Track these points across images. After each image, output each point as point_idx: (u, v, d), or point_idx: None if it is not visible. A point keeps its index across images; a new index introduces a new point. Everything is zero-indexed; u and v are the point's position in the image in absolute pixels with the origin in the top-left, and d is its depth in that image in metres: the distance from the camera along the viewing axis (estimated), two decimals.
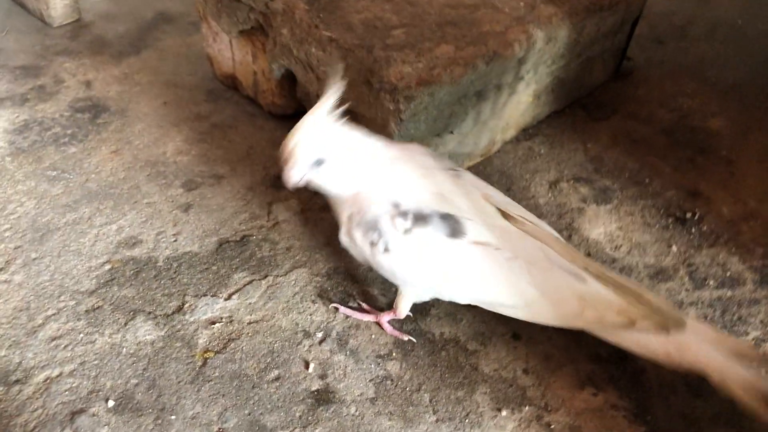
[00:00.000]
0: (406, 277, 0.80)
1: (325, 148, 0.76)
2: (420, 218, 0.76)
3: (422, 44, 0.96)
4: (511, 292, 0.76)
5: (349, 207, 0.79)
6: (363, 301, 0.91)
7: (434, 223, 0.76)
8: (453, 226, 0.76)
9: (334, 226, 0.98)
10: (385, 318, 0.87)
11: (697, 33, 1.54)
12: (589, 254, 1.00)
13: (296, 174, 0.76)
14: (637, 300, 0.74)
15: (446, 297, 0.82)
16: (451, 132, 1.03)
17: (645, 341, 0.74)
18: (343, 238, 0.81)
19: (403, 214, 0.76)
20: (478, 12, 1.04)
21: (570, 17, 1.07)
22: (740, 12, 1.63)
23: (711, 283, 0.96)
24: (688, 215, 1.07)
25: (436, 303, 0.92)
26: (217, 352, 0.84)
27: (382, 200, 0.77)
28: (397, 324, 0.88)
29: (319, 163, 0.76)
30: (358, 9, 1.02)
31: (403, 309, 0.85)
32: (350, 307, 0.90)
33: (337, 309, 0.89)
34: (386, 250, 0.77)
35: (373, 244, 0.77)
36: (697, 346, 0.73)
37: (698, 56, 1.46)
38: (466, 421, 0.79)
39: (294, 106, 1.19)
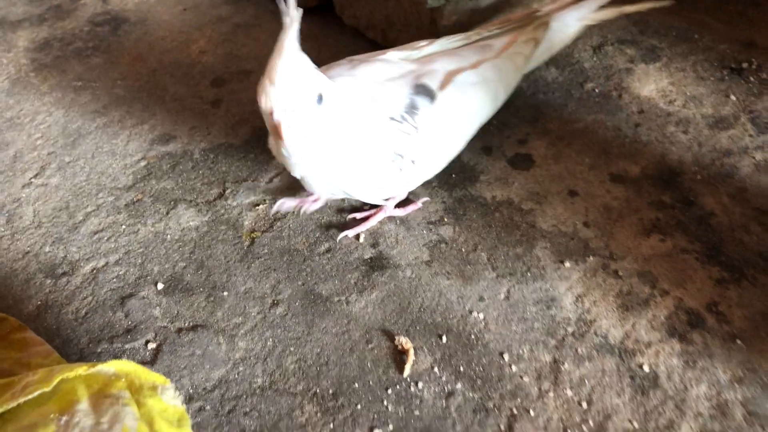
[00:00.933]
0: (448, 136, 0.78)
1: (316, 82, 0.64)
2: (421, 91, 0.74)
3: None
4: (494, 93, 0.81)
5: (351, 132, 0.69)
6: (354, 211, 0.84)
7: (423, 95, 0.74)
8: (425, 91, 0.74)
9: None
10: (391, 205, 0.81)
11: None
12: (642, 111, 0.94)
13: (297, 120, 0.62)
14: (521, 28, 0.85)
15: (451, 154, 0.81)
16: None
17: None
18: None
19: (419, 92, 0.74)
20: None
21: None
22: None
23: None
24: (745, 65, 1.00)
25: (485, 169, 0.88)
26: (264, 232, 0.82)
27: (390, 99, 0.72)
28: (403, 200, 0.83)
29: (320, 99, 0.63)
30: None
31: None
32: (355, 222, 0.81)
33: (356, 236, 0.80)
34: (422, 127, 0.73)
35: (408, 132, 0.73)
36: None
37: None
38: (528, 274, 0.75)
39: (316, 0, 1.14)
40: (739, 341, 0.68)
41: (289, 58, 0.61)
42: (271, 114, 0.61)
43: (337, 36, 1.13)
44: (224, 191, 0.87)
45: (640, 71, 1.01)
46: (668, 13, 1.11)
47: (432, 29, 0.99)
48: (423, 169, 0.77)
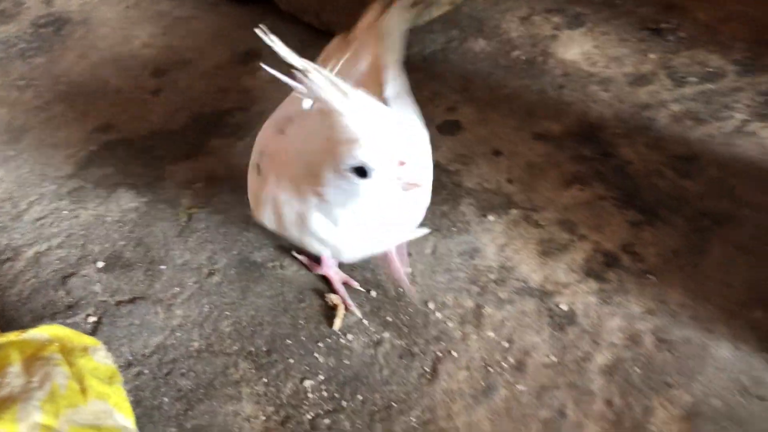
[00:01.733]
0: None
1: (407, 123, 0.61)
2: None
3: None
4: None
5: None
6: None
7: None
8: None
9: None
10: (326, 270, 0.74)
11: None
12: (566, 74, 0.98)
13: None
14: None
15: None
16: None
17: None
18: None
19: None
20: None
21: None
22: None
23: (692, 80, 0.94)
24: (664, 25, 1.04)
25: None
26: (201, 207, 0.84)
27: None
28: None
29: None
30: None
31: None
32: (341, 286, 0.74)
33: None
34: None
35: None
36: None
37: None
38: (453, 229, 0.78)
39: None
40: (651, 276, 0.71)
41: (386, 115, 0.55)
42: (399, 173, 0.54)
43: (274, 22, 1.16)
44: (162, 173, 0.89)
45: (565, 37, 1.05)
46: None
47: (363, 9, 1.01)
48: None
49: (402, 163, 0.53)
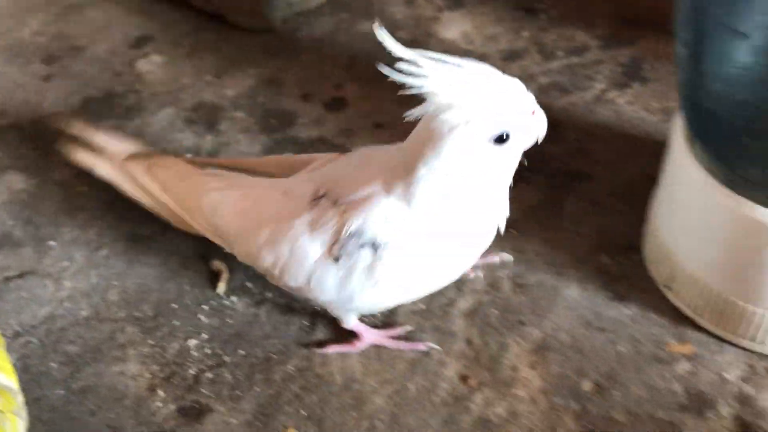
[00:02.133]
0: None
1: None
2: None
3: None
4: None
5: None
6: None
7: None
8: None
9: (197, 69, 1.01)
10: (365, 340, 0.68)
11: None
12: (445, 52, 1.04)
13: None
14: None
15: None
16: None
17: None
18: None
19: None
20: None
21: None
22: None
23: (559, 54, 1.02)
24: (537, 5, 1.11)
25: (302, 114, 0.95)
26: (90, 186, 0.86)
27: None
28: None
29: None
30: None
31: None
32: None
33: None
34: None
35: None
36: None
37: None
38: None
39: None
40: (512, 231, 0.77)
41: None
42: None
43: (167, 7, 1.18)
44: (53, 156, 0.91)
45: (446, 18, 1.11)
46: None
47: None
48: None
49: (533, 112, 0.53)
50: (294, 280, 0.61)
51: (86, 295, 0.74)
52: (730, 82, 0.52)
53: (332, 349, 0.67)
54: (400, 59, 0.53)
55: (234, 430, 0.62)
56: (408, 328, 0.69)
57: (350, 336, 0.68)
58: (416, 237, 0.57)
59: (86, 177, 0.87)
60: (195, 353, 0.69)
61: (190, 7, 1.16)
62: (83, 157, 0.79)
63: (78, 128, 0.81)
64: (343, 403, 0.64)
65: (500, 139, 0.53)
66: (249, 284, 0.74)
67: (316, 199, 0.59)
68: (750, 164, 0.55)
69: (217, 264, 0.76)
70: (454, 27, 1.09)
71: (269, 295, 0.73)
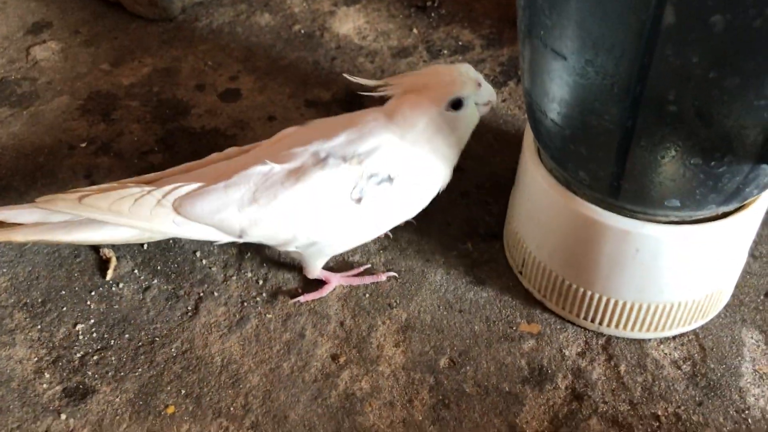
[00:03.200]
0: None
1: None
2: None
3: None
4: None
5: None
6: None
7: None
8: None
9: (94, 57, 1.03)
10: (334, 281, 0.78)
11: None
12: (339, 47, 1.09)
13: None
14: None
15: None
16: None
17: None
18: None
19: None
20: None
21: None
22: None
23: (445, 52, 1.08)
24: (429, 3, 1.17)
25: (197, 104, 0.99)
26: None
27: None
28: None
29: None
30: None
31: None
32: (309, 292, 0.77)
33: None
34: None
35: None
36: None
37: None
38: None
39: None
40: None
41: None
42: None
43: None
44: None
45: (342, 13, 1.15)
46: None
47: None
48: None
49: (479, 84, 0.70)
50: (314, 233, 0.70)
51: None
52: (555, 98, 0.59)
53: (305, 298, 0.76)
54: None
55: (117, 408, 0.67)
56: (367, 266, 0.79)
57: (315, 284, 0.77)
58: (413, 170, 0.70)
59: None
60: (82, 337, 0.72)
61: None
62: None
63: None
64: (221, 382, 0.69)
65: (456, 105, 0.69)
66: (136, 271, 0.78)
67: (322, 161, 0.68)
68: (578, 167, 0.63)
69: (107, 251, 0.79)
70: (348, 22, 1.13)
71: (155, 281, 0.77)
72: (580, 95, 0.57)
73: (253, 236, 0.70)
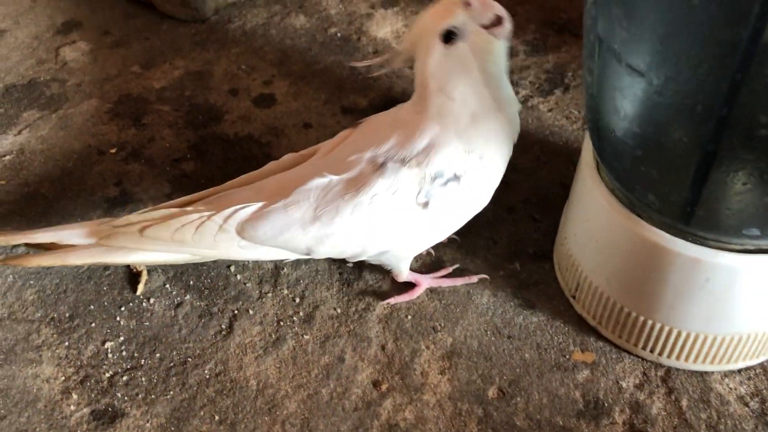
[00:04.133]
0: None
1: None
2: None
3: None
4: None
5: None
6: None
7: None
8: None
9: (124, 59, 0.99)
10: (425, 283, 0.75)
11: None
12: (377, 51, 1.05)
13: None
14: None
15: None
16: None
17: None
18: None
19: None
20: None
21: None
22: None
23: None
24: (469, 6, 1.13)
25: (230, 109, 0.95)
26: (9, 181, 0.85)
27: None
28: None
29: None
30: None
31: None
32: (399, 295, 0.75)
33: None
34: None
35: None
36: None
37: None
38: None
39: None
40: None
41: None
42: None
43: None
44: None
45: (379, 16, 1.11)
46: None
47: None
48: None
49: (468, 4, 0.61)
50: (383, 243, 0.67)
51: (1, 294, 0.73)
52: (628, 115, 0.54)
53: (396, 300, 0.73)
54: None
55: None
56: (456, 266, 0.76)
57: (405, 287, 0.74)
58: (475, 162, 0.65)
59: (9, 170, 0.86)
60: (111, 355, 0.69)
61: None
62: (46, 260, 0.68)
63: (15, 238, 0.69)
64: (257, 407, 0.65)
65: (449, 38, 0.62)
66: (168, 286, 0.74)
67: (380, 167, 0.64)
68: (647, 190, 0.58)
69: (137, 265, 0.76)
70: (386, 25, 1.09)
71: (188, 297, 0.73)
72: (656, 114, 0.52)
73: (321, 253, 0.67)
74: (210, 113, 0.94)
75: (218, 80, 1.00)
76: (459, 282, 0.75)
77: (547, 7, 1.13)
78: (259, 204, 0.65)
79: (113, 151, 0.89)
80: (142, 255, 0.68)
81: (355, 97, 0.97)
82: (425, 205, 0.65)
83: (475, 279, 0.75)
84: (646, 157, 0.56)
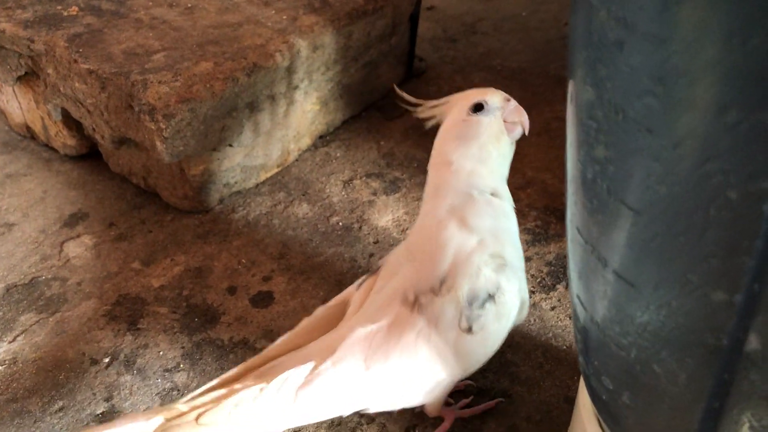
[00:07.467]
0: None
1: None
2: None
3: (181, 64, 0.99)
4: None
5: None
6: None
7: None
8: None
9: (126, 254, 1.00)
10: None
11: (486, 28, 1.66)
12: (377, 241, 1.05)
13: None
14: None
15: None
16: (231, 145, 1.06)
17: None
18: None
19: None
20: (241, 29, 1.09)
21: (333, 24, 1.14)
22: (524, 5, 1.76)
23: None
24: None
25: (227, 310, 0.94)
26: None
27: None
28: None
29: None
30: (120, 40, 1.05)
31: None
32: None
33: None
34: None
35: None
36: None
37: (486, 49, 1.56)
38: None
39: (87, 144, 1.19)
40: None
41: None
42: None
43: (106, 181, 1.18)
44: None
45: (381, 203, 1.12)
46: (413, 145, 1.25)
47: (183, 176, 1.06)
48: None
49: (508, 100, 0.70)
50: (434, 377, 0.67)
51: None
52: (613, 354, 0.52)
53: None
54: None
55: None
56: (470, 382, 0.80)
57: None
58: (502, 267, 0.67)
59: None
60: None
61: (128, 182, 1.17)
62: None
63: None
64: None
65: (477, 108, 0.69)
66: None
67: (413, 304, 0.65)
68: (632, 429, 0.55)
69: None
70: (388, 212, 1.10)
71: None
72: (638, 356, 0.49)
73: (378, 407, 0.68)
74: (206, 315, 0.93)
75: (217, 277, 0.99)
76: (479, 409, 0.77)
77: (550, 192, 1.13)
78: (310, 366, 0.64)
79: (107, 360, 0.87)
80: None
81: None
82: (468, 330, 0.65)
83: (492, 404, 0.78)
84: (629, 395, 0.53)
